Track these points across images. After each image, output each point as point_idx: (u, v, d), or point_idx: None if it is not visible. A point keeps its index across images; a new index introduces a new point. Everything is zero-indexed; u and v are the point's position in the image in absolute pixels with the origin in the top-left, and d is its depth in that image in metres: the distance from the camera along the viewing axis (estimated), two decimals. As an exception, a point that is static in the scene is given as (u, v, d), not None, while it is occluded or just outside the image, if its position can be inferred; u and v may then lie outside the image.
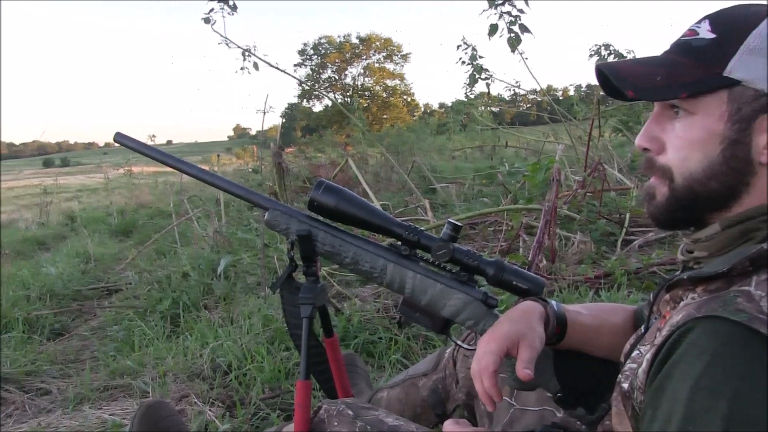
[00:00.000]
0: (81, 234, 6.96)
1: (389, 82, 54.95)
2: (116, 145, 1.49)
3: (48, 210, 9.93)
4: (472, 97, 8.89)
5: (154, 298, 3.60)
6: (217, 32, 5.41)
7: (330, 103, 44.51)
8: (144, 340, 3.07)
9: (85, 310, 3.96)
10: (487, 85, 6.68)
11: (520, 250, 3.75)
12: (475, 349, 1.14)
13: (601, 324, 1.20)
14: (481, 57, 6.51)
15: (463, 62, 6.53)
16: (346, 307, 2.98)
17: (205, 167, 1.48)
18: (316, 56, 54.93)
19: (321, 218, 1.37)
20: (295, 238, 1.34)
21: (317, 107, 48.50)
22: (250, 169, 10.61)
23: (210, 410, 2.24)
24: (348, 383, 1.60)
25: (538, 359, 1.05)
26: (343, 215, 1.32)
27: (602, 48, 6.73)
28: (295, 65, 53.43)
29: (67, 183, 23.50)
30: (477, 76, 6.50)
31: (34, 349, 3.14)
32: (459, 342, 1.35)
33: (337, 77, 55.36)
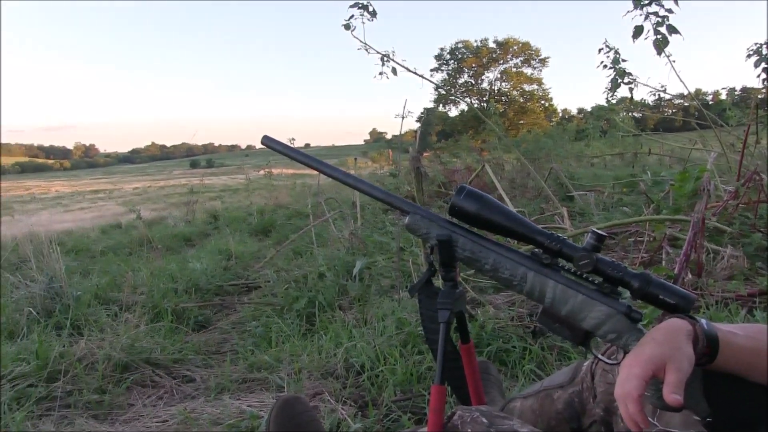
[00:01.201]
0: (223, 232, 7.31)
1: (526, 87, 54.37)
2: (257, 147, 1.54)
3: (194, 208, 10.50)
4: (614, 102, 8.55)
5: (291, 296, 3.71)
6: (356, 38, 5.51)
7: (466, 108, 44.62)
8: (281, 336, 3.19)
9: (226, 305, 4.15)
10: (630, 89, 6.40)
11: (663, 262, 3.58)
12: (615, 364, 1.09)
13: (759, 347, 1.10)
14: (624, 60, 6.27)
15: (605, 66, 6.30)
16: (480, 313, 2.95)
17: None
18: (452, 61, 55.18)
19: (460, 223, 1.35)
20: (435, 242, 1.33)
21: (453, 112, 48.92)
22: (387, 173, 10.74)
23: (342, 409, 2.28)
24: (482, 390, 1.57)
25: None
26: (484, 221, 1.30)
27: (764, 47, 6.24)
28: (431, 70, 53.93)
29: (211, 183, 24.77)
30: (619, 80, 6.25)
31: (181, 339, 3.33)
32: (599, 355, 1.29)
33: (473, 82, 55.41)
